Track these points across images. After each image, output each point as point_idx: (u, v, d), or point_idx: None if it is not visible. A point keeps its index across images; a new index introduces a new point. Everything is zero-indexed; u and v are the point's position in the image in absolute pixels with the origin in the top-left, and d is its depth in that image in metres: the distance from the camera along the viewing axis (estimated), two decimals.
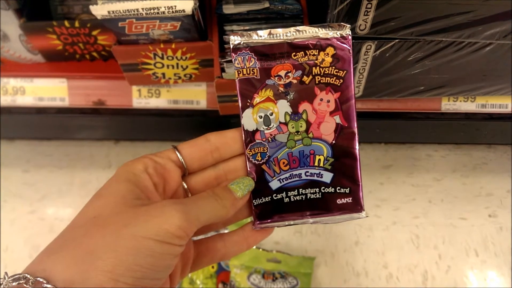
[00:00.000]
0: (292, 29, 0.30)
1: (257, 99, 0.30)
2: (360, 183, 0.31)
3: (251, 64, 0.30)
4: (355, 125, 0.31)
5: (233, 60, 0.30)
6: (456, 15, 0.40)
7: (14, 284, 0.22)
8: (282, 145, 0.30)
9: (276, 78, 0.30)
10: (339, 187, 0.31)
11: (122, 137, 0.66)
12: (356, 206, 0.31)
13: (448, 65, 0.45)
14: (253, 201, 0.31)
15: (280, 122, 0.30)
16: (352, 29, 0.41)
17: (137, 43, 0.45)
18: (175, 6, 0.39)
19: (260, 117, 0.30)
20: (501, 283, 0.56)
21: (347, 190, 0.31)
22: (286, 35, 0.30)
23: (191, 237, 0.26)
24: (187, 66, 0.49)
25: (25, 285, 0.22)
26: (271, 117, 0.30)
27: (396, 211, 0.61)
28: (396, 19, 0.40)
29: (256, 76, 0.30)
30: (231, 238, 0.30)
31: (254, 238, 0.31)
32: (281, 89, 0.30)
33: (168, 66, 0.48)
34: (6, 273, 0.23)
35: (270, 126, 0.30)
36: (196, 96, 0.53)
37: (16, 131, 0.63)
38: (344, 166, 0.31)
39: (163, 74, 0.50)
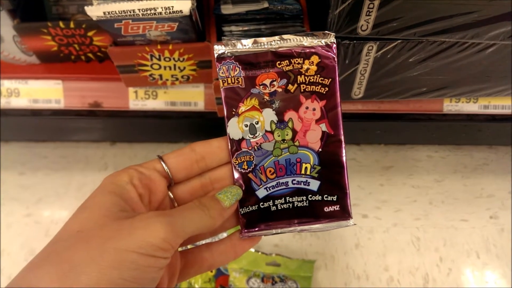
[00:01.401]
0: (276, 37, 0.30)
1: (242, 108, 0.30)
2: (348, 191, 0.31)
3: (235, 73, 0.30)
4: (342, 132, 0.30)
5: (217, 69, 0.30)
6: (460, 15, 0.39)
7: None
8: (268, 153, 0.30)
9: (261, 87, 0.30)
10: (326, 195, 0.31)
11: (119, 139, 0.66)
12: (343, 214, 0.31)
13: (451, 66, 0.44)
14: (240, 209, 0.31)
15: (266, 131, 0.30)
16: (354, 30, 0.41)
17: (133, 44, 0.44)
18: (172, 6, 0.38)
19: (246, 125, 0.30)
20: (503, 285, 0.55)
21: (334, 198, 0.31)
22: (271, 44, 0.30)
23: (177, 248, 0.25)
24: (184, 68, 0.48)
25: None
26: (256, 125, 0.30)
27: (396, 212, 0.61)
28: (399, 19, 0.39)
29: (241, 85, 0.30)
30: (218, 247, 0.30)
31: (242, 247, 0.30)
32: (266, 97, 0.30)
33: (165, 68, 0.47)
34: None
35: (255, 135, 0.30)
36: (194, 97, 0.52)
37: (11, 133, 0.62)
38: (331, 174, 0.31)
39: (160, 75, 0.49)
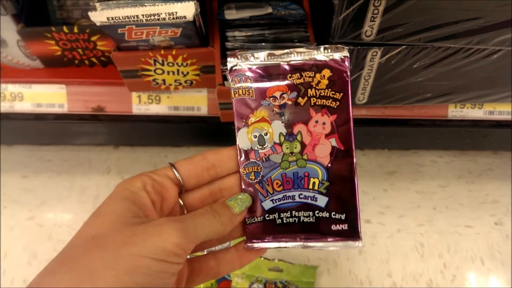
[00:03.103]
0: (288, 50, 0.30)
1: (252, 118, 0.30)
2: (358, 210, 0.30)
3: (247, 84, 0.30)
4: (353, 148, 0.30)
5: (229, 80, 0.30)
6: (466, 21, 0.39)
7: None
8: (276, 165, 0.30)
9: (271, 99, 0.30)
10: (334, 213, 0.30)
11: (122, 143, 0.66)
12: (352, 234, 0.30)
13: (456, 71, 0.44)
14: (246, 219, 0.30)
15: (275, 143, 0.30)
16: (358, 35, 0.40)
17: (137, 49, 0.44)
18: (176, 12, 0.38)
19: (255, 136, 0.30)
20: None
21: (343, 217, 0.30)
22: (282, 57, 0.30)
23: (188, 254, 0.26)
24: (187, 73, 0.48)
25: None
26: (265, 137, 0.30)
27: (400, 218, 0.60)
28: (404, 25, 0.39)
29: (251, 96, 0.30)
30: (225, 256, 0.30)
31: (247, 257, 0.30)
32: (276, 109, 0.30)
33: (168, 73, 0.47)
34: None
35: (264, 146, 0.30)
36: (197, 102, 0.52)
37: (14, 137, 0.62)
38: (340, 191, 0.30)
39: (164, 80, 0.49)
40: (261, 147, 0.30)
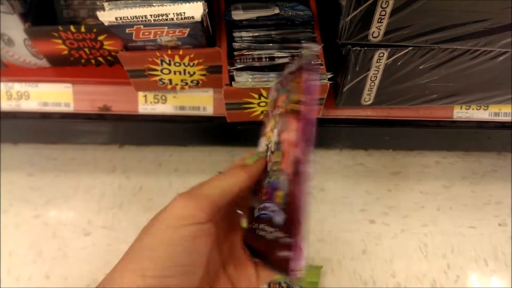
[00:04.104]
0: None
1: (267, 128, 0.32)
2: (298, 239, 0.23)
3: (270, 100, 0.32)
4: (310, 162, 0.25)
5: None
6: (473, 23, 0.39)
7: None
8: (267, 174, 0.29)
9: (276, 108, 0.31)
10: (286, 233, 0.24)
11: (128, 142, 0.66)
12: (291, 267, 0.23)
13: (462, 73, 0.44)
14: (244, 224, 0.30)
15: (271, 151, 0.29)
16: (365, 36, 0.41)
17: (144, 49, 0.44)
18: (184, 12, 0.38)
19: (265, 145, 0.31)
20: None
21: (289, 240, 0.24)
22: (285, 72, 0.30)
23: (212, 214, 0.26)
24: (194, 72, 0.48)
25: None
26: (268, 146, 0.30)
27: (404, 218, 0.61)
28: (411, 26, 0.39)
29: (271, 108, 0.32)
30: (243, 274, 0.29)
31: (264, 276, 0.28)
32: (277, 118, 0.30)
33: (175, 72, 0.47)
34: None
35: (267, 154, 0.30)
36: (203, 102, 0.52)
37: (20, 135, 0.62)
38: (293, 208, 0.24)
39: (170, 80, 0.49)
40: (267, 154, 0.30)
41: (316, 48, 0.32)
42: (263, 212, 0.27)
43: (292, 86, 0.28)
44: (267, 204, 0.27)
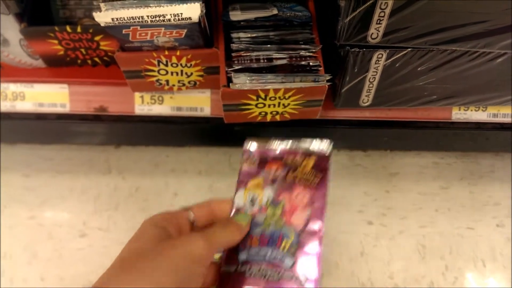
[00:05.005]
0: (291, 142, 0.39)
1: (250, 183, 0.37)
2: (315, 281, 0.33)
3: (254, 159, 0.38)
4: (323, 220, 0.35)
5: (243, 155, 0.39)
6: (472, 24, 0.38)
7: None
8: (259, 224, 0.35)
9: (267, 171, 0.38)
10: (297, 276, 0.33)
11: (124, 143, 0.65)
12: None
13: (461, 74, 0.44)
14: (222, 267, 0.34)
15: (262, 205, 0.36)
16: (364, 38, 0.40)
17: (140, 49, 0.44)
18: (181, 13, 0.37)
19: (249, 197, 0.37)
20: None
21: (303, 280, 0.33)
22: (286, 146, 0.39)
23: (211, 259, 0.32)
24: (191, 73, 0.47)
25: None
26: (256, 200, 0.36)
27: (402, 220, 0.60)
28: (410, 28, 0.39)
29: (255, 167, 0.38)
30: None
31: None
32: (270, 180, 0.37)
33: (172, 73, 0.47)
34: None
35: (253, 207, 0.36)
36: (200, 103, 0.52)
37: (16, 136, 0.62)
38: (306, 256, 0.34)
39: (167, 81, 0.48)
40: (251, 207, 0.36)
41: (327, 147, 0.39)
42: (256, 257, 0.34)
43: (296, 162, 0.38)
44: (263, 251, 0.34)
